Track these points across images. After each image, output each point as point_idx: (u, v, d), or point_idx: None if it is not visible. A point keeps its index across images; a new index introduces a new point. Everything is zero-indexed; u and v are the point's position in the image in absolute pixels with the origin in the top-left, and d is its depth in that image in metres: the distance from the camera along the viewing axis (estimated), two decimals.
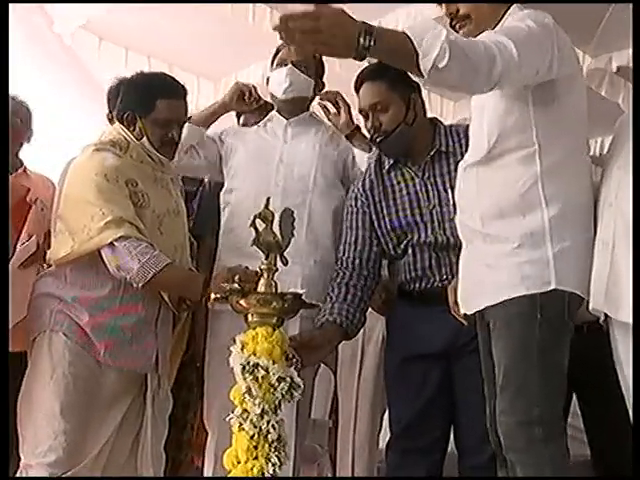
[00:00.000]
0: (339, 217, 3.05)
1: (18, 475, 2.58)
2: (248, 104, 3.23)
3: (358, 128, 3.13)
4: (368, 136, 2.91)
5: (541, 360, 2.22)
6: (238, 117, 3.69)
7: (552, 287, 2.22)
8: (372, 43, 1.87)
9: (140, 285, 2.57)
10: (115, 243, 2.54)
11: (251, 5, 4.78)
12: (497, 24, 2.34)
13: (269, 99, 3.27)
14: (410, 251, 2.83)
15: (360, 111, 2.87)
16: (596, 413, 3.00)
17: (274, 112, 3.22)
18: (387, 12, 4.78)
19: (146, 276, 2.54)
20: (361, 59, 1.92)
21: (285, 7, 4.86)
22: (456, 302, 2.51)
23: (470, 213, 2.37)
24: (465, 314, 2.46)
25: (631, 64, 4.95)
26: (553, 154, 2.25)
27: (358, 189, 2.95)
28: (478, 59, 2.02)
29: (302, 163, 3.08)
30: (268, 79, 3.22)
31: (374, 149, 2.99)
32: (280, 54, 3.15)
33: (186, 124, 3.02)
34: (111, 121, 2.87)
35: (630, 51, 4.93)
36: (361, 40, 1.86)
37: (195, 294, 2.62)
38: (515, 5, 2.37)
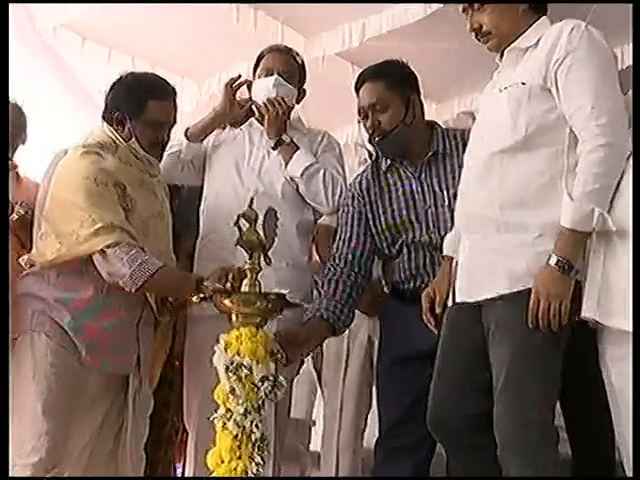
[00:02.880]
0: (308, 223, 3.12)
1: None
2: (241, 108, 3.18)
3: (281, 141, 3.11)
4: (367, 135, 2.93)
5: (542, 365, 2.25)
6: None
7: (576, 278, 2.25)
8: None
9: (133, 290, 2.56)
10: (106, 250, 2.54)
11: (235, 6, 4.78)
12: (522, 34, 2.42)
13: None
14: (405, 250, 2.86)
15: (359, 111, 2.90)
16: (577, 413, 3.02)
17: (253, 119, 3.20)
18: (373, 12, 4.80)
19: (138, 282, 2.54)
20: None
21: (268, 7, 4.89)
22: (430, 309, 2.56)
23: (486, 201, 2.38)
24: (436, 320, 2.54)
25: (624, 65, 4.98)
26: (577, 155, 2.27)
27: (355, 188, 2.98)
28: (609, 172, 2.20)
29: (273, 171, 3.07)
30: (250, 84, 3.19)
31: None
32: (264, 61, 3.15)
33: (185, 142, 3.06)
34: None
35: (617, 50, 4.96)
36: None
37: (187, 294, 2.61)
38: (545, 17, 2.44)
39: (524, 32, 2.42)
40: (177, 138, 3.06)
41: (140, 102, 2.78)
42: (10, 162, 3.19)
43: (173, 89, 2.88)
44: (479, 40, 2.50)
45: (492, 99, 2.48)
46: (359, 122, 3.01)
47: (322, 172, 3.04)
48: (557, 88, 2.29)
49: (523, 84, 2.34)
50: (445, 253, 2.64)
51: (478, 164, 2.43)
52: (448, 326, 2.50)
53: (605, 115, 2.21)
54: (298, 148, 3.06)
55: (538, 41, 2.37)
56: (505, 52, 2.46)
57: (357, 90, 2.92)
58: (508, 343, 2.27)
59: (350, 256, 2.90)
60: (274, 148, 3.07)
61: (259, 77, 3.14)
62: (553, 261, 2.20)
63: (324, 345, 3.25)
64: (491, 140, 2.40)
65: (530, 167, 2.31)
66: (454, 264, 2.56)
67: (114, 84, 2.86)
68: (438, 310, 2.56)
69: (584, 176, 2.20)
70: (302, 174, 3.02)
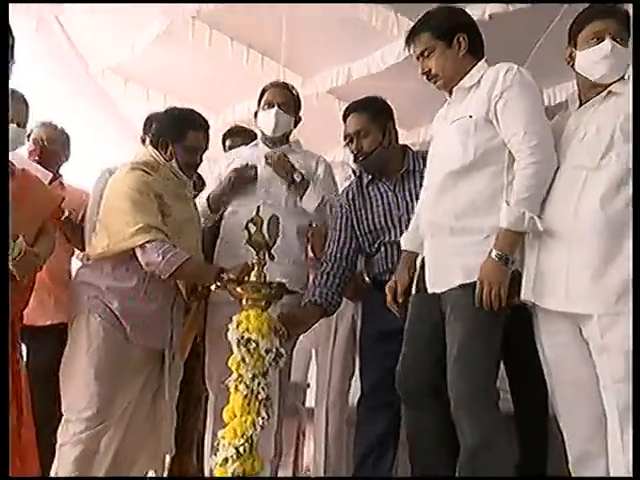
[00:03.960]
0: (305, 227, 3.12)
1: (60, 428, 2.59)
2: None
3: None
4: (352, 156, 2.95)
5: (486, 340, 2.27)
6: (224, 143, 3.68)
7: (513, 269, 2.27)
8: None
9: (166, 276, 2.58)
10: (145, 245, 2.56)
11: (245, 52, 4.81)
12: (465, 75, 2.42)
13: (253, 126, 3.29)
14: (382, 249, 2.87)
15: (346, 136, 2.91)
16: (520, 377, 3.03)
17: (259, 140, 3.19)
18: (357, 58, 4.82)
19: (170, 269, 2.56)
20: None
21: (272, 53, 4.91)
22: (393, 299, 2.57)
23: (444, 211, 2.38)
24: (399, 307, 2.57)
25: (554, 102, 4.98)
26: (514, 171, 2.30)
27: (343, 199, 2.98)
28: (539, 184, 2.23)
29: (278, 186, 3.07)
30: (256, 114, 3.18)
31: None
32: (266, 95, 3.13)
33: (208, 212, 3.07)
34: (143, 142, 2.90)
35: (550, 90, 4.97)
36: None
37: (209, 281, 2.62)
38: (483, 60, 2.44)
39: (467, 73, 2.42)
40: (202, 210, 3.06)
41: (182, 131, 2.80)
42: (55, 174, 3.28)
43: (206, 122, 2.90)
44: (430, 81, 2.49)
45: (445, 129, 2.47)
46: (345, 146, 3.01)
47: (329, 205, 3.06)
48: (497, 119, 2.30)
49: (470, 117, 2.34)
50: (405, 248, 2.64)
51: (436, 182, 2.43)
52: (412, 311, 2.52)
53: (535, 139, 2.23)
54: (308, 183, 3.05)
55: (479, 81, 2.38)
56: (454, 90, 2.46)
57: (344, 120, 2.92)
58: (460, 322, 2.29)
59: (339, 254, 2.91)
60: (288, 187, 3.06)
61: (262, 109, 3.13)
62: (494, 255, 2.22)
63: (317, 325, 3.30)
64: (447, 163, 2.40)
65: (478, 183, 2.32)
66: (413, 258, 2.58)
67: (160, 115, 2.90)
68: (400, 299, 2.56)
69: (518, 187, 2.23)
70: (315, 209, 3.05)
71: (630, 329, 2.08)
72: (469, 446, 2.24)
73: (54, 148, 3.32)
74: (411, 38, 2.50)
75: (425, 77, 2.49)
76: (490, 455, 2.21)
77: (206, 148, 2.89)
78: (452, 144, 2.38)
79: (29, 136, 3.28)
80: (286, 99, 3.13)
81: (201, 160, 2.89)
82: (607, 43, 2.24)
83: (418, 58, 2.48)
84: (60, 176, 3.34)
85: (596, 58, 2.26)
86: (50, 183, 3.13)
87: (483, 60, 2.45)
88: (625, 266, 2.11)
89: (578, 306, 2.18)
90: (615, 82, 2.27)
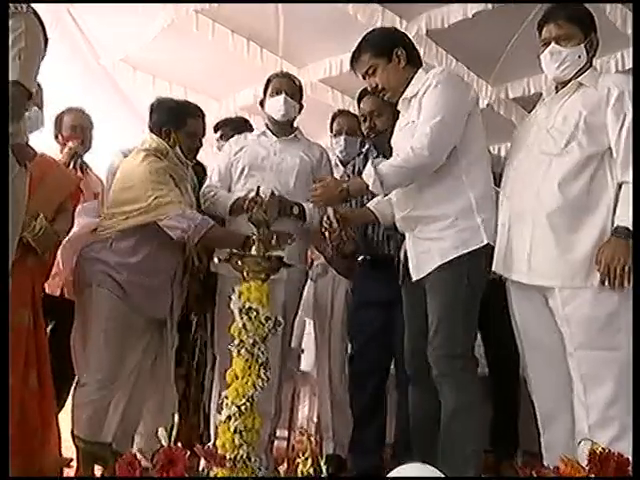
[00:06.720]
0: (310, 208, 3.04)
1: (73, 391, 2.62)
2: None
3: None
4: (365, 134, 3.01)
5: (465, 313, 2.30)
6: (216, 133, 3.66)
7: (484, 242, 2.30)
8: None
9: (196, 240, 2.60)
10: (172, 216, 2.58)
11: (245, 44, 4.79)
12: (407, 85, 2.43)
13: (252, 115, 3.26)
14: (370, 228, 2.91)
15: (362, 115, 2.95)
16: (493, 343, 3.08)
17: (265, 129, 3.12)
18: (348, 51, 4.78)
19: (199, 233, 2.58)
20: None
21: (270, 46, 4.87)
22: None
23: (413, 204, 2.40)
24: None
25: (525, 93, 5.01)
26: (469, 158, 2.34)
27: (349, 171, 3.05)
28: (408, 167, 2.28)
29: (287, 172, 3.00)
30: (261, 103, 3.13)
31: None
32: (273, 83, 3.07)
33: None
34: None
35: (524, 81, 5.00)
36: None
37: (236, 247, 2.58)
38: (421, 70, 2.46)
39: (409, 83, 2.44)
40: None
41: (182, 119, 2.81)
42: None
43: (202, 111, 2.91)
44: (379, 96, 2.52)
45: (398, 134, 2.51)
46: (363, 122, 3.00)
47: None
48: None
49: (413, 122, 2.37)
50: (369, 205, 2.64)
51: None
52: (405, 302, 2.54)
53: (430, 131, 2.27)
54: (304, 210, 2.96)
55: (418, 91, 2.39)
56: (399, 102, 2.48)
57: (359, 101, 2.95)
58: (441, 296, 2.31)
59: None
60: (289, 217, 2.92)
61: (271, 95, 3.07)
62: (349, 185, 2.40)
63: (317, 296, 3.36)
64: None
65: (437, 177, 2.34)
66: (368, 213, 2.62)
67: (160, 106, 2.87)
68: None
69: (394, 157, 2.35)
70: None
71: (590, 301, 2.12)
72: (450, 409, 2.26)
73: (90, 134, 3.31)
74: (355, 61, 2.51)
75: (374, 93, 2.52)
76: (468, 416, 2.24)
77: (203, 134, 2.89)
78: (404, 148, 2.38)
79: (59, 120, 3.25)
80: (292, 88, 3.08)
81: (201, 144, 2.89)
82: (547, 51, 2.29)
83: (364, 77, 2.49)
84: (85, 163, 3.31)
85: (546, 62, 2.30)
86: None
87: (421, 70, 2.46)
88: (583, 244, 2.15)
89: (541, 279, 2.21)
90: (584, 74, 2.27)
